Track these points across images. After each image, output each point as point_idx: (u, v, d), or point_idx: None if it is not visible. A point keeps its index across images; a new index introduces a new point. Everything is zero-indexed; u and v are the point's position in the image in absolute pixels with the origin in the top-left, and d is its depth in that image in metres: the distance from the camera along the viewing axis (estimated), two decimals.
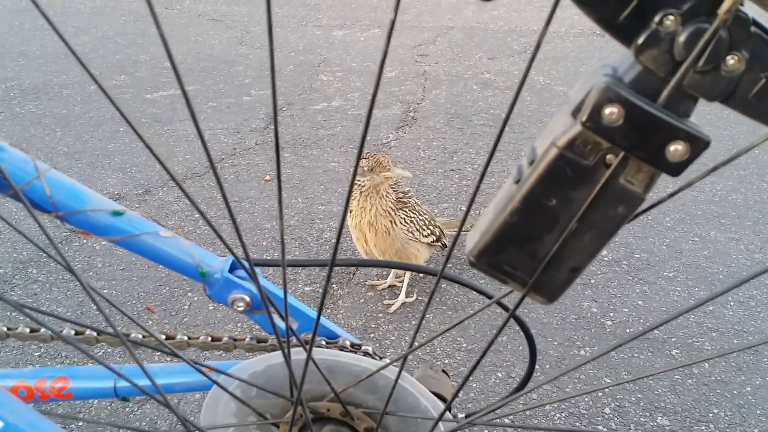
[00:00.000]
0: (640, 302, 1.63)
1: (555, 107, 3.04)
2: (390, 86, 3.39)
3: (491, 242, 0.37)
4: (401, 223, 1.55)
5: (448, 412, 0.57)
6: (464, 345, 1.47)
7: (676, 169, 0.32)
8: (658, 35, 0.31)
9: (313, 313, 0.63)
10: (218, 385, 0.51)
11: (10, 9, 5.28)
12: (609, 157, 0.33)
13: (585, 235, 0.36)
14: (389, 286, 1.71)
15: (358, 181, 1.49)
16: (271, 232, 1.95)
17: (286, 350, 0.45)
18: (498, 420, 1.18)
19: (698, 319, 1.56)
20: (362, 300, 1.65)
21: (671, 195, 0.38)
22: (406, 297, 1.64)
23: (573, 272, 0.37)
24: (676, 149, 0.32)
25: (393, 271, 1.72)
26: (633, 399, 1.32)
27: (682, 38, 0.30)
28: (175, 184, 2.24)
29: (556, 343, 1.47)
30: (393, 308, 1.61)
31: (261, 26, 4.84)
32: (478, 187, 0.37)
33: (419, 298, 1.66)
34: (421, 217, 1.59)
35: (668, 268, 1.78)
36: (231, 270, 0.60)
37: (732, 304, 1.62)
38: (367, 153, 1.49)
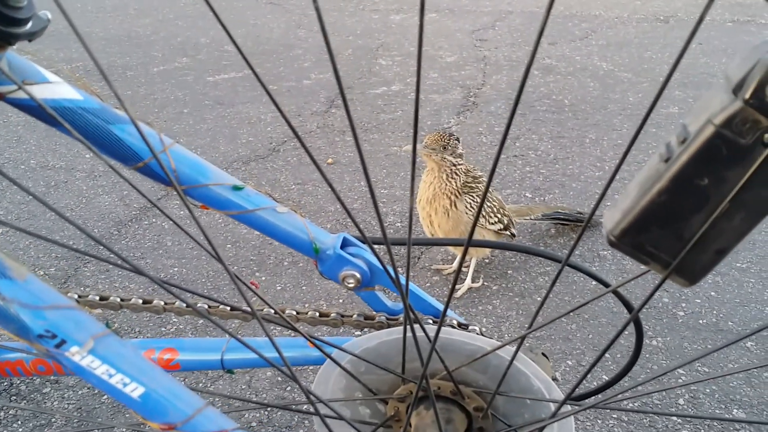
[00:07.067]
0: (712, 293, 1.59)
1: (619, 93, 2.99)
2: (449, 71, 3.37)
3: (635, 222, 0.36)
4: (466, 208, 1.54)
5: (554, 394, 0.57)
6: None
7: None
8: None
9: (420, 292, 0.63)
10: (332, 359, 0.52)
11: None
12: (767, 136, 0.33)
13: (735, 216, 0.35)
14: (455, 271, 1.71)
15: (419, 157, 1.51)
16: (335, 214, 1.96)
17: (411, 329, 0.45)
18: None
19: None
20: (428, 284, 1.66)
21: None
22: (473, 282, 1.64)
23: (719, 254, 0.36)
24: None
25: (459, 256, 1.72)
26: (708, 391, 1.30)
27: None
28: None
29: (627, 333, 1.45)
30: (459, 293, 1.61)
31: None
32: (611, 180, 0.36)
33: (485, 283, 1.65)
34: (488, 204, 1.58)
35: (741, 260, 1.74)
36: (342, 247, 0.61)
37: None
38: (436, 131, 1.50)
